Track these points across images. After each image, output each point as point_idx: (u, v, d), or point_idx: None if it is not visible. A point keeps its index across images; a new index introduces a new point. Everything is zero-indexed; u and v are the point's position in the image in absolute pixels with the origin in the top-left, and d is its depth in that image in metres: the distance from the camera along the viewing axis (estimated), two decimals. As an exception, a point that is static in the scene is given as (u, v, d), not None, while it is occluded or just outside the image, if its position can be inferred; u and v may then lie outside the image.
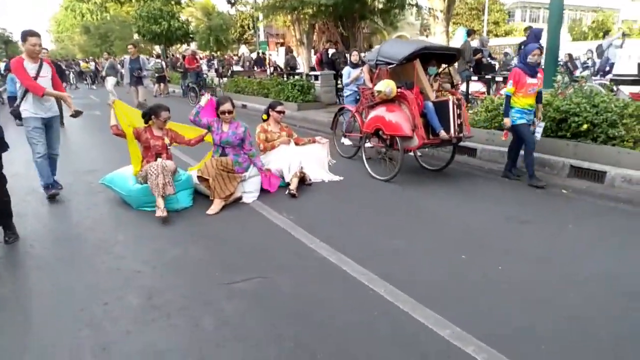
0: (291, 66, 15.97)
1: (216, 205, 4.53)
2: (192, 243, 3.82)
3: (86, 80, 26.72)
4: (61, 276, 3.28)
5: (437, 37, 14.60)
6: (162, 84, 18.03)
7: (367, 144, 6.09)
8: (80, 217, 4.50)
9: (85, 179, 5.76)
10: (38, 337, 2.55)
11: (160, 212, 4.20)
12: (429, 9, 14.41)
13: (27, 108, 4.76)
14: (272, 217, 4.36)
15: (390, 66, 5.46)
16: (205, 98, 5.17)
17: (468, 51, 10.05)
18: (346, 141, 7.42)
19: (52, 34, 68.48)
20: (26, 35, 4.66)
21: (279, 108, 5.67)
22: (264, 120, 5.71)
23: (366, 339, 2.46)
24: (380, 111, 5.54)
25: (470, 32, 10.94)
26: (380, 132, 5.66)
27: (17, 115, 4.85)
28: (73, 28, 54.10)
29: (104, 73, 16.22)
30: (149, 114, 4.77)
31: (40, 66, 4.74)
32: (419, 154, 6.19)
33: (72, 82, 25.82)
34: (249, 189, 4.94)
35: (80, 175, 6.04)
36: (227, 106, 4.87)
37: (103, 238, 3.96)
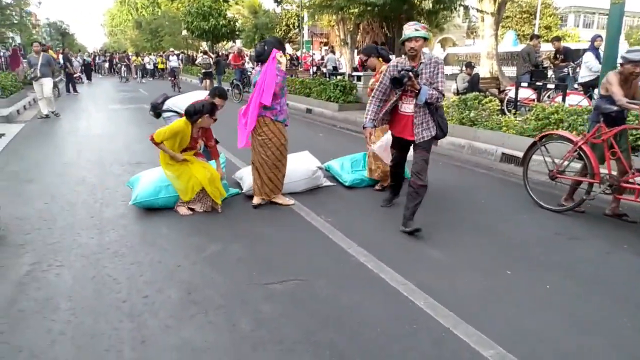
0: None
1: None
2: (231, 240, 3.85)
3: (136, 74, 27.68)
4: (105, 265, 3.37)
5: (485, 41, 14.21)
6: (208, 81, 18.32)
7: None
8: (126, 207, 4.62)
9: (134, 170, 5.93)
10: (80, 324, 2.62)
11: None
12: (478, 10, 14.05)
13: None
14: (310, 218, 4.34)
15: None
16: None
17: (532, 54, 9.91)
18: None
19: (106, 28, 71.59)
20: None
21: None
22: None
23: (404, 353, 2.39)
24: None
25: (533, 37, 10.81)
26: None
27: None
28: (126, 22, 56.34)
29: (38, 72, 10.80)
30: (201, 112, 4.30)
31: None
32: None
33: (123, 75, 26.94)
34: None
35: (128, 167, 6.24)
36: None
37: (147, 229, 4.07)
